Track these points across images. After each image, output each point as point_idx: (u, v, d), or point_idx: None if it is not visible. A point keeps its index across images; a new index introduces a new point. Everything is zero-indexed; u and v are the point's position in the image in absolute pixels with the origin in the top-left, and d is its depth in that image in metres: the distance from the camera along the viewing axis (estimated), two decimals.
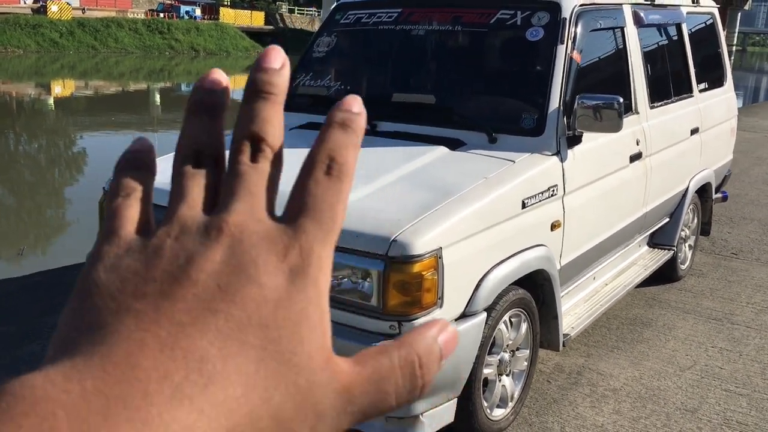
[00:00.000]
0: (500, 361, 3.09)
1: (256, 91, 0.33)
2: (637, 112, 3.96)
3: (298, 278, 0.30)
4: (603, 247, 3.81)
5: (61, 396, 0.25)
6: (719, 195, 5.59)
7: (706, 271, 5.20)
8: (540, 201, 3.10)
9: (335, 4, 4.23)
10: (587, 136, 3.37)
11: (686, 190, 4.79)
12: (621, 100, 3.21)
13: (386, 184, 2.93)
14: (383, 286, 2.54)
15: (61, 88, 25.25)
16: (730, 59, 5.81)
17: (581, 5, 3.51)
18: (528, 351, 3.25)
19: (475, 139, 3.31)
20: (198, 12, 50.65)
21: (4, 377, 0.25)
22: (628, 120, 3.63)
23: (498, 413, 3.12)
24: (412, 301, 2.56)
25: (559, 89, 3.28)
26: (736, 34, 57.76)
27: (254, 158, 0.32)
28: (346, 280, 2.63)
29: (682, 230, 4.87)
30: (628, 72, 3.94)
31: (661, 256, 4.61)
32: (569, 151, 3.29)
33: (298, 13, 60.80)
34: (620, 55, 3.94)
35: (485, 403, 3.01)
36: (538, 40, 3.44)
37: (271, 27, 54.55)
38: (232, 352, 0.27)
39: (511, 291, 2.98)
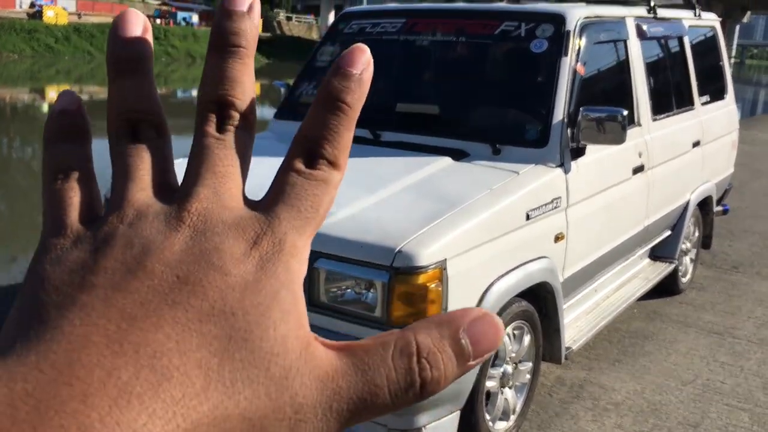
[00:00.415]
0: (503, 373, 3.07)
1: (221, 44, 0.29)
2: (640, 125, 3.96)
3: (268, 264, 0.27)
4: (605, 259, 3.80)
5: None
6: (720, 208, 5.59)
7: (706, 285, 5.19)
8: (544, 213, 3.09)
9: (338, 12, 4.23)
10: (590, 148, 3.36)
11: (688, 203, 4.79)
12: (625, 112, 3.21)
13: (390, 195, 2.91)
14: (387, 297, 2.52)
15: (55, 93, 25.20)
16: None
17: (585, 18, 3.52)
18: (530, 364, 3.23)
19: (479, 149, 3.30)
20: (195, 18, 50.83)
21: None
22: (630, 132, 3.62)
23: (500, 426, 3.10)
24: (416, 312, 2.54)
25: (563, 101, 3.28)
26: (734, 47, 57.99)
27: (221, 128, 0.29)
28: (349, 290, 2.61)
29: (684, 243, 4.86)
30: (631, 84, 3.95)
31: (663, 269, 4.60)
32: (573, 163, 3.28)
33: (296, 21, 61.01)
34: (623, 68, 3.94)
35: (488, 416, 2.99)
36: (542, 52, 3.45)
37: (269, 34, 54.60)
38: (192, 346, 0.24)
39: (514, 303, 2.96)
